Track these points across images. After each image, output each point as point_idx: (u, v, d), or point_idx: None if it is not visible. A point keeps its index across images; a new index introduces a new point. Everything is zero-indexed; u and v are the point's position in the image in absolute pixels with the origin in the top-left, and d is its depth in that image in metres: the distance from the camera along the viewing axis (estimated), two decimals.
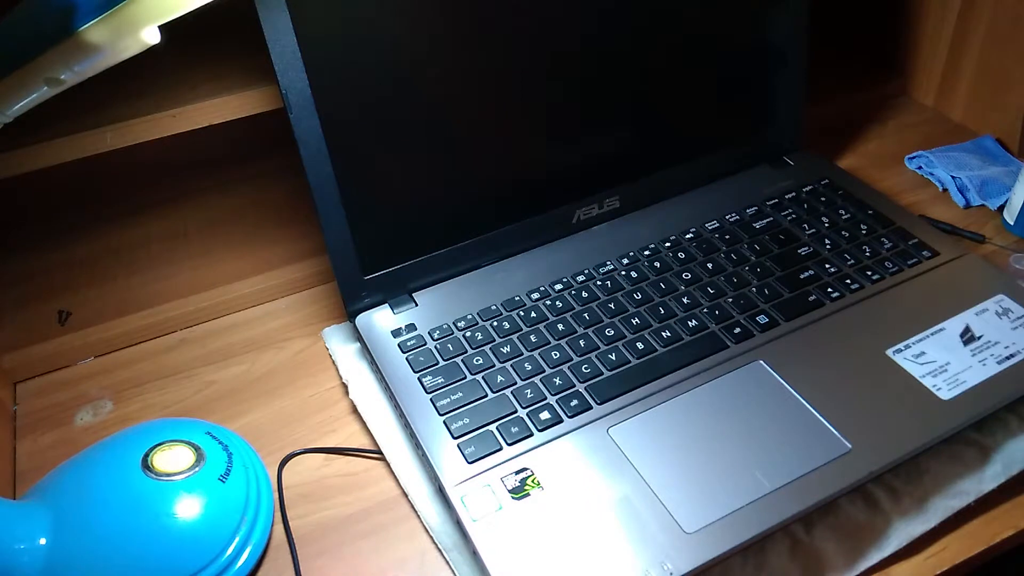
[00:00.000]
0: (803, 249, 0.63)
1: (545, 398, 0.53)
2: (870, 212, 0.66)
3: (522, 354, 0.56)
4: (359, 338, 0.59)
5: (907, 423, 0.50)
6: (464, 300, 0.60)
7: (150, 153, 0.57)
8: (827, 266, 0.61)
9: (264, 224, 0.69)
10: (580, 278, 0.61)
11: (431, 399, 0.53)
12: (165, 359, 0.64)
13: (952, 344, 0.54)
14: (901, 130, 0.83)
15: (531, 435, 0.51)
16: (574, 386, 0.54)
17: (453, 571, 0.48)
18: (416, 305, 0.60)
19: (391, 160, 0.57)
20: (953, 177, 0.74)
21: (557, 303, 0.59)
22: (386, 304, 0.60)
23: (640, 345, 0.56)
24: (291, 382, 0.62)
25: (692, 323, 0.57)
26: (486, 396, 0.53)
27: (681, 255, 0.63)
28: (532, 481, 0.48)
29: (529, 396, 0.53)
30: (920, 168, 0.77)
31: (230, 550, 0.49)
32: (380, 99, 0.55)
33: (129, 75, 0.43)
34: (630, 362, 0.55)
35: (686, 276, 0.61)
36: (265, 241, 0.70)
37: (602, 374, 0.54)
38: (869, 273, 0.60)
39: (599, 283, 0.61)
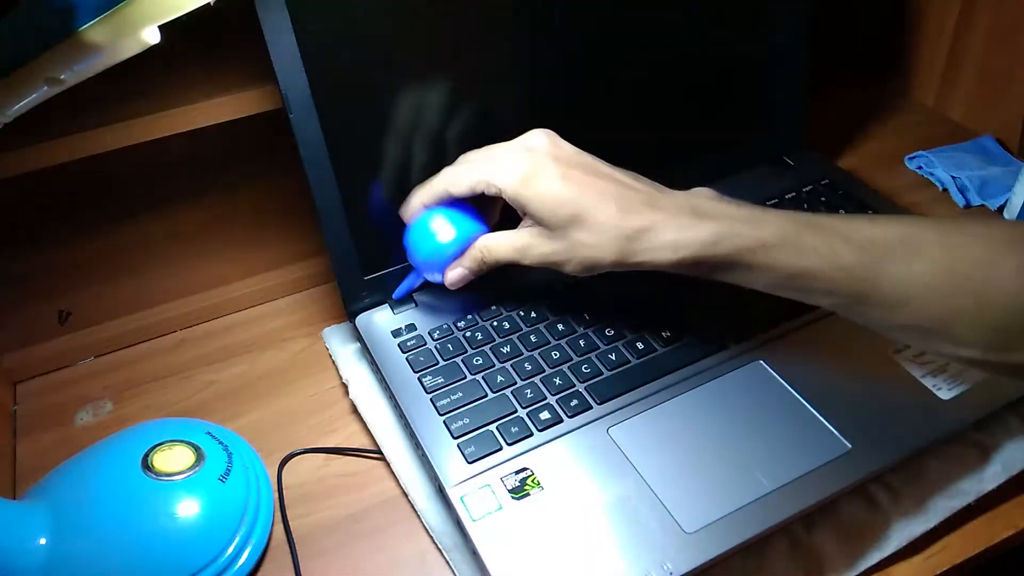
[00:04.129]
0: None
1: (545, 398, 0.53)
2: (870, 212, 0.66)
3: (522, 354, 0.56)
4: (359, 338, 0.59)
5: (907, 423, 0.50)
6: (464, 300, 0.60)
7: (150, 153, 0.56)
8: None
9: (264, 224, 0.69)
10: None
11: (431, 399, 0.53)
12: (165, 359, 0.64)
13: None
14: (901, 130, 0.83)
15: (531, 435, 0.51)
16: (574, 386, 0.54)
17: (453, 571, 0.48)
18: (416, 305, 0.60)
19: (392, 160, 0.57)
20: (953, 177, 0.74)
21: (558, 303, 0.59)
22: (386, 304, 0.60)
23: (640, 345, 0.56)
24: (291, 382, 0.62)
25: (693, 322, 0.57)
26: (486, 396, 0.53)
27: None
28: (532, 481, 0.48)
29: (529, 396, 0.53)
30: (920, 168, 0.77)
31: (230, 550, 0.49)
32: (380, 99, 0.55)
33: (129, 75, 0.43)
34: (630, 362, 0.55)
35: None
36: (265, 241, 0.69)
37: (602, 374, 0.54)
38: None
39: (599, 283, 0.61)
